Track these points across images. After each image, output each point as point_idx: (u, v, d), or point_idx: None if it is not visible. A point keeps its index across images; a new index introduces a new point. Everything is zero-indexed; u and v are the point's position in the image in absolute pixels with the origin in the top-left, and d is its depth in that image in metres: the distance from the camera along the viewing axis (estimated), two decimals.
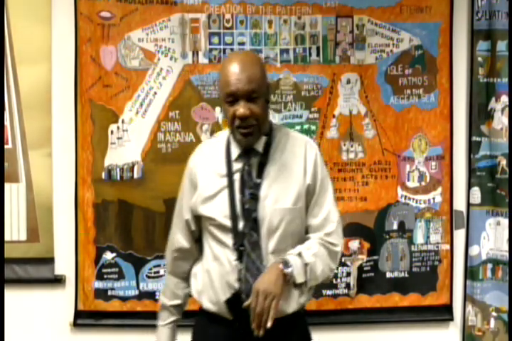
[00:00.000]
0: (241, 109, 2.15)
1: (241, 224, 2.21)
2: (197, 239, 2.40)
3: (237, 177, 2.24)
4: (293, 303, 2.24)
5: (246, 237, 2.20)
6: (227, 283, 2.23)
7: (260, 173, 2.24)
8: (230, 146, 2.29)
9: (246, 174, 2.24)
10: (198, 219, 2.34)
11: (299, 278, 2.16)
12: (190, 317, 3.42)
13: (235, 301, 2.20)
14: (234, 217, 2.21)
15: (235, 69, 2.15)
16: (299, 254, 2.17)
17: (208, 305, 2.31)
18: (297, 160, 2.27)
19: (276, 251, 2.21)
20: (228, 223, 2.22)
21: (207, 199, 2.27)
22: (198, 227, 2.37)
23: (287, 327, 2.25)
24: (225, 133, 2.37)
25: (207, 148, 2.41)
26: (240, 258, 2.20)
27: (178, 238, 2.41)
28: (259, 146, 2.26)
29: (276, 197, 2.22)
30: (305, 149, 2.29)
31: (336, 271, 3.38)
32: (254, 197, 2.21)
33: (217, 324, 2.30)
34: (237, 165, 2.26)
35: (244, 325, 2.13)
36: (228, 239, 2.23)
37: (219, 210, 2.24)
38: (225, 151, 2.29)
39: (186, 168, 2.41)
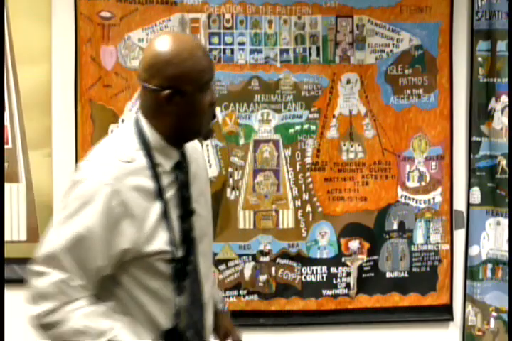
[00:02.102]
0: (214, 93, 1.91)
1: (180, 251, 1.85)
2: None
3: (169, 194, 1.84)
4: None
5: (187, 263, 1.88)
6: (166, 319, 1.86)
7: (186, 184, 1.91)
8: (153, 153, 1.83)
9: (180, 188, 1.87)
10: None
11: None
12: None
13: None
14: (174, 244, 1.83)
15: (201, 50, 1.88)
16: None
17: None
18: (202, 167, 2.06)
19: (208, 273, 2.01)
20: (175, 253, 1.83)
21: (150, 231, 1.80)
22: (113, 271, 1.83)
23: None
24: (124, 136, 1.88)
25: (128, 157, 1.82)
26: (179, 293, 1.85)
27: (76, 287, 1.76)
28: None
29: (203, 205, 2.02)
30: (202, 155, 2.13)
31: (336, 271, 3.39)
32: (189, 227, 1.90)
33: None
34: (166, 179, 1.84)
35: None
36: (168, 271, 1.84)
37: (165, 242, 1.82)
38: (146, 161, 1.81)
39: (100, 186, 1.74)
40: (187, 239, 1.88)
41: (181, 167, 1.88)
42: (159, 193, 1.80)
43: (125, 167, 1.78)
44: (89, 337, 1.72)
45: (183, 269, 1.85)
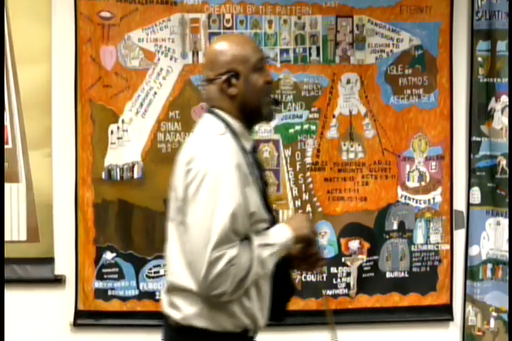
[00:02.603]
0: (269, 73, 2.08)
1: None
2: None
3: (256, 174, 2.06)
4: None
5: None
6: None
7: (262, 171, 2.16)
8: (241, 139, 2.04)
9: (258, 164, 2.12)
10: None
11: None
12: None
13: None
14: (269, 211, 2.08)
15: (249, 39, 2.21)
16: None
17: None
18: None
19: None
20: (268, 225, 2.05)
21: (258, 200, 2.03)
22: None
23: None
24: (215, 123, 2.04)
25: (230, 143, 2.01)
26: None
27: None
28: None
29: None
30: None
31: (336, 271, 3.39)
32: (269, 198, 2.13)
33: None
34: (252, 157, 2.08)
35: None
36: None
37: (265, 211, 2.05)
38: (237, 145, 2.02)
39: (227, 164, 1.93)
40: (270, 210, 2.08)
41: (254, 148, 2.12)
42: (251, 170, 2.01)
43: (231, 146, 1.98)
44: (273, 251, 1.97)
45: None
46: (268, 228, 2.02)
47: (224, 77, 1.99)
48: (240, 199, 1.91)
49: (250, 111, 2.03)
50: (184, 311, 1.98)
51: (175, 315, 2.01)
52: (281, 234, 2.01)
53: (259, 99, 2.03)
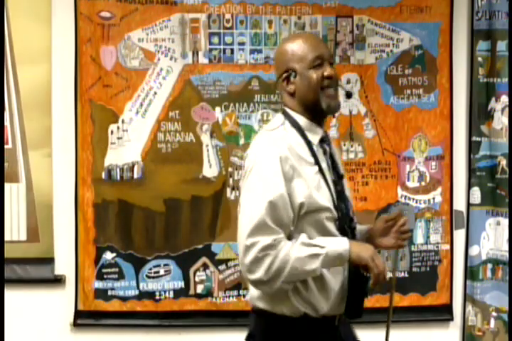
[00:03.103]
0: (329, 69, 2.14)
1: (340, 213, 2.14)
2: None
3: (324, 164, 2.14)
4: None
5: (353, 228, 2.19)
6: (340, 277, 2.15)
7: (335, 163, 2.22)
8: (305, 133, 2.14)
9: (330, 159, 2.19)
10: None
11: None
12: (188, 317, 3.42)
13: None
14: (336, 207, 2.13)
15: (310, 38, 2.22)
16: None
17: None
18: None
19: None
20: (335, 213, 2.12)
21: (315, 190, 2.09)
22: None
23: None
24: (280, 120, 2.17)
25: (282, 136, 2.12)
26: None
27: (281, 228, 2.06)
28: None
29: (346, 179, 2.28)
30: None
31: None
32: (342, 188, 2.19)
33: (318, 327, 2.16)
34: (319, 152, 2.16)
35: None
36: (335, 230, 2.12)
37: (328, 200, 2.11)
38: (301, 138, 2.13)
39: (272, 157, 2.04)
40: (342, 199, 2.16)
41: (325, 140, 2.19)
42: (316, 161, 2.11)
43: (285, 141, 2.09)
44: (312, 254, 2.01)
45: (343, 226, 2.13)
46: (339, 218, 2.12)
47: (284, 76, 2.13)
48: (282, 189, 2.00)
49: (310, 106, 2.13)
50: (251, 292, 2.14)
51: (247, 295, 2.21)
52: (337, 243, 2.05)
53: (316, 93, 2.11)
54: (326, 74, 2.13)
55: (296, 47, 2.15)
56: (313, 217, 2.09)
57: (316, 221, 2.09)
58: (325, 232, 2.09)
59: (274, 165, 2.03)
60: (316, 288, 2.08)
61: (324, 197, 2.09)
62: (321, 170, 2.11)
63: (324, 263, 2.01)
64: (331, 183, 2.14)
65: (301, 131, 2.14)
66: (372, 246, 2.11)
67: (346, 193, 2.21)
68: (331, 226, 2.11)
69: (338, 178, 2.19)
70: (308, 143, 2.13)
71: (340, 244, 2.04)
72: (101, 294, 3.33)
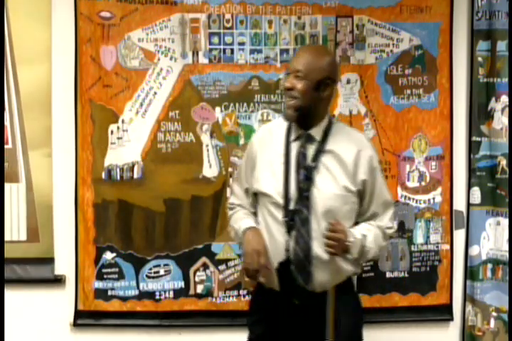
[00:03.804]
0: (287, 81, 2.51)
1: (292, 202, 2.48)
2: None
3: (293, 159, 2.52)
4: (341, 275, 2.54)
5: (297, 214, 2.47)
6: (277, 254, 2.47)
7: (316, 158, 2.51)
8: (291, 129, 2.57)
9: (301, 156, 2.52)
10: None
11: (353, 254, 2.48)
12: (188, 317, 3.43)
13: (284, 270, 2.47)
14: (287, 195, 2.48)
15: (301, 52, 2.58)
16: (364, 236, 2.50)
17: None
18: (350, 154, 2.53)
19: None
20: (281, 200, 2.48)
21: (265, 177, 2.54)
22: (253, 198, 2.65)
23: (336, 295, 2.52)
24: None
25: (269, 128, 2.68)
26: (288, 232, 2.47)
27: (239, 196, 2.71)
28: (317, 134, 2.54)
29: (329, 182, 2.50)
30: (361, 147, 2.56)
31: None
32: (309, 179, 2.48)
33: (266, 294, 2.56)
34: (294, 147, 2.53)
35: (289, 296, 2.48)
36: (279, 214, 2.49)
37: (275, 188, 2.50)
38: (285, 133, 2.57)
39: (249, 143, 2.74)
40: (299, 191, 2.48)
41: (302, 140, 2.53)
42: (286, 153, 2.52)
43: (268, 130, 2.67)
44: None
45: (291, 218, 2.47)
46: (285, 208, 2.49)
47: None
48: (243, 165, 2.70)
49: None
50: None
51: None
52: (242, 225, 2.55)
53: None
54: (283, 83, 2.56)
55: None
56: (261, 199, 2.57)
57: (263, 203, 2.55)
58: (270, 214, 2.52)
59: (249, 147, 2.69)
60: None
61: (272, 185, 2.51)
62: (286, 162, 2.50)
63: (235, 236, 2.62)
64: (294, 177, 2.49)
65: (288, 127, 2.57)
66: (261, 245, 2.45)
67: (314, 194, 2.47)
68: (275, 211, 2.50)
69: (305, 177, 2.48)
70: (288, 138, 2.54)
71: (241, 227, 2.54)
72: (101, 294, 3.33)
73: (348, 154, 2.52)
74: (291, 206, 2.47)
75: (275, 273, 2.47)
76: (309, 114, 2.52)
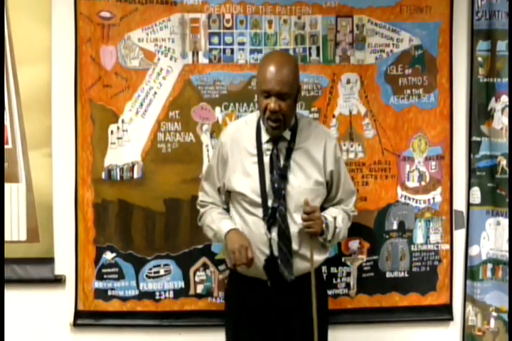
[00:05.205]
0: (272, 104, 2.56)
1: (270, 200, 2.63)
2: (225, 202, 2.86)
3: (266, 159, 2.65)
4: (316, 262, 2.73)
5: (277, 211, 2.62)
6: (259, 250, 2.64)
7: (288, 157, 2.66)
8: (261, 130, 2.69)
9: (275, 157, 2.65)
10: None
11: (328, 236, 2.68)
12: (188, 317, 3.43)
13: (271, 266, 2.63)
14: (264, 194, 2.62)
15: (272, 70, 2.56)
16: (335, 218, 2.70)
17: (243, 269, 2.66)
18: (318, 149, 2.71)
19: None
20: (258, 199, 2.63)
21: (238, 176, 2.67)
22: (226, 196, 2.82)
23: (307, 282, 2.66)
24: (253, 117, 2.78)
25: (238, 128, 2.79)
26: (269, 229, 2.63)
27: (210, 195, 2.86)
28: (287, 134, 2.69)
29: (301, 178, 2.67)
30: (325, 139, 2.75)
31: (335, 271, 3.39)
32: (284, 178, 2.63)
33: (251, 283, 2.71)
34: (266, 148, 2.67)
35: (277, 284, 2.65)
36: (259, 212, 2.64)
37: (250, 187, 2.65)
38: (255, 134, 2.69)
39: (218, 143, 2.86)
40: (275, 190, 2.63)
41: (277, 142, 2.67)
42: (259, 154, 2.64)
43: (236, 129, 2.79)
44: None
45: (271, 216, 2.62)
46: (262, 206, 2.65)
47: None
48: (214, 163, 2.81)
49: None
50: None
51: None
52: (223, 228, 2.68)
53: (263, 115, 2.64)
54: (268, 107, 2.57)
55: (262, 70, 2.60)
56: (235, 197, 2.71)
57: (237, 200, 2.71)
58: (246, 210, 2.67)
59: (218, 146, 2.79)
60: None
61: (247, 184, 2.64)
62: (260, 163, 2.63)
63: (214, 236, 2.76)
64: (268, 176, 2.63)
65: (258, 128, 2.69)
66: (247, 241, 2.58)
67: (289, 191, 2.64)
68: (252, 209, 2.65)
69: (279, 177, 2.63)
70: (259, 139, 2.66)
71: (223, 230, 2.66)
72: (101, 294, 3.33)
73: (316, 149, 2.72)
74: (270, 204, 2.63)
75: (262, 268, 2.65)
76: (287, 124, 2.68)
